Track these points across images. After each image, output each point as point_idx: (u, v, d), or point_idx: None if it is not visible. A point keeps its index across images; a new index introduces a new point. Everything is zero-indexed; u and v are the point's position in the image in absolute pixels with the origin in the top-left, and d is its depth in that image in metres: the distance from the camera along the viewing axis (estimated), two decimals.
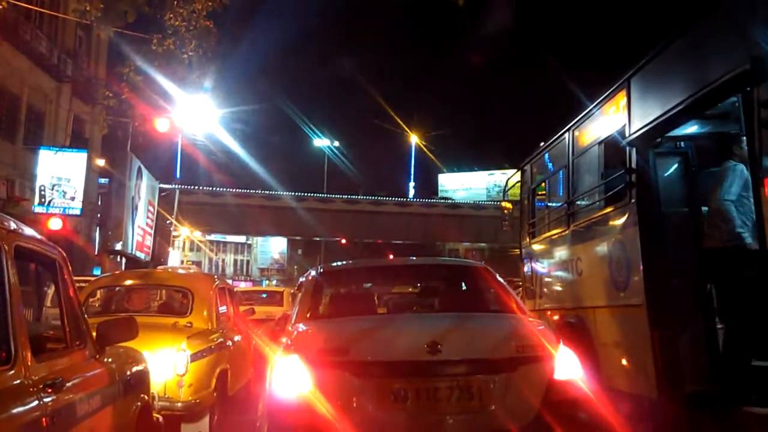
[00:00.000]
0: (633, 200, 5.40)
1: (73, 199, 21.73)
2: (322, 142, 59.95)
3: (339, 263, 5.82)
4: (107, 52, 25.94)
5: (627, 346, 5.58)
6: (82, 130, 25.77)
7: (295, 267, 73.27)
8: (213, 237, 68.14)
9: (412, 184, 60.85)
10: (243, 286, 46.54)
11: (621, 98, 5.70)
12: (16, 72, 20.49)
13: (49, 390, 2.59)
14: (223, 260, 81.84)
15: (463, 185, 65.81)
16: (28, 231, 2.91)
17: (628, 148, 5.50)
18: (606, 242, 6.02)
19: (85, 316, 3.50)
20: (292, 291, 15.57)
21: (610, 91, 5.93)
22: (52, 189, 21.36)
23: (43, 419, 2.50)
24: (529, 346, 3.73)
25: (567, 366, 3.73)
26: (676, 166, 5.80)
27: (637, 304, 5.20)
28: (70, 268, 3.30)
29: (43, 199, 21.15)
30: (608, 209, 6.00)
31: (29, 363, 2.52)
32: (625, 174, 5.54)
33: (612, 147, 6.01)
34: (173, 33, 10.70)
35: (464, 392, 3.56)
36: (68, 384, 2.80)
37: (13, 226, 2.70)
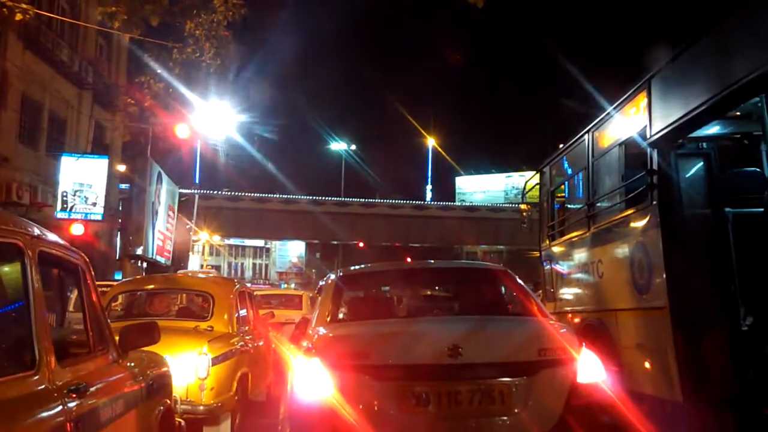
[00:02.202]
0: (655, 202, 5.35)
1: (94, 204, 21.95)
2: (338, 146, 60.12)
3: (358, 267, 5.82)
4: (127, 59, 26.22)
5: (650, 349, 5.52)
6: (103, 136, 26.03)
7: (314, 270, 73.41)
8: (232, 241, 68.50)
9: (429, 187, 60.76)
10: (262, 289, 46.66)
11: (642, 99, 5.65)
12: (39, 79, 20.75)
13: (73, 395, 2.60)
14: (242, 264, 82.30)
15: (481, 188, 65.50)
16: (52, 236, 2.92)
17: (649, 150, 5.45)
18: (627, 244, 5.97)
19: (108, 320, 3.53)
20: (311, 294, 15.59)
21: (630, 92, 5.89)
22: (74, 195, 21.60)
23: (68, 424, 2.50)
24: (552, 349, 3.69)
25: (590, 369, 3.69)
26: (698, 167, 5.73)
27: (660, 307, 5.15)
28: (92, 273, 3.32)
29: (65, 205, 21.39)
30: (629, 211, 5.95)
31: (53, 368, 2.52)
32: (647, 175, 5.49)
33: (633, 148, 5.96)
34: (194, 42, 10.80)
35: (486, 396, 3.54)
36: (92, 389, 2.80)
37: (36, 231, 2.71)
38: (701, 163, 5.72)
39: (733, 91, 4.30)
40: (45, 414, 2.40)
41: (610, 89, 6.88)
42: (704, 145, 5.85)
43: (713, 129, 5.62)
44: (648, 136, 5.42)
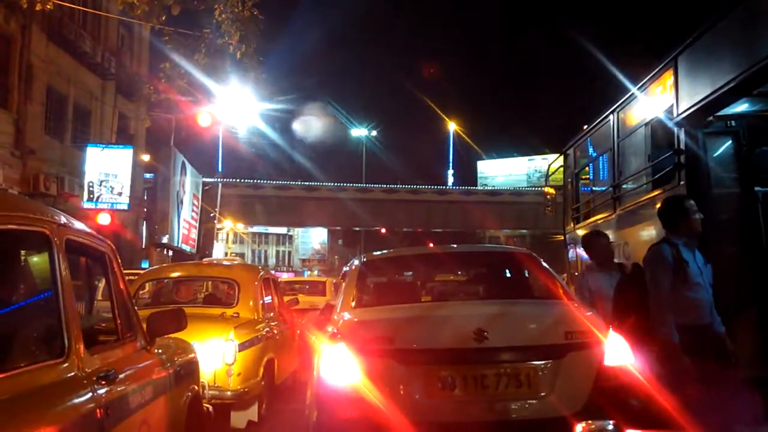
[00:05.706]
0: (682, 182, 5.26)
1: (120, 194, 22.16)
2: (360, 131, 60.07)
3: (382, 252, 5.81)
4: (150, 48, 26.35)
5: None
6: (126, 126, 26.25)
7: (336, 257, 73.79)
8: (255, 229, 68.99)
9: (450, 171, 60.61)
10: (285, 276, 47.02)
11: (668, 77, 5.55)
12: (62, 71, 20.96)
13: (102, 382, 2.62)
14: (266, 251, 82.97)
15: (503, 172, 65.06)
16: (78, 225, 2.94)
17: (676, 129, 5.36)
18: (654, 226, 5.87)
19: (136, 308, 3.56)
20: (334, 281, 15.66)
21: (656, 70, 5.79)
22: (100, 185, 21.82)
23: (97, 411, 2.53)
24: (578, 332, 3.65)
25: (617, 352, 3.65)
26: (726, 145, 5.62)
27: None
28: (119, 260, 3.35)
29: (91, 195, 21.62)
30: (656, 192, 5.86)
31: (82, 355, 2.54)
32: (674, 155, 5.40)
33: (659, 128, 5.87)
34: (217, 28, 10.81)
35: (513, 379, 3.52)
36: (120, 376, 2.83)
37: (63, 220, 2.73)
38: (730, 142, 5.61)
39: (762, 67, 4.20)
40: (75, 401, 2.42)
41: (635, 68, 6.78)
42: (733, 123, 5.73)
43: (742, 107, 5.50)
44: (675, 115, 5.32)
